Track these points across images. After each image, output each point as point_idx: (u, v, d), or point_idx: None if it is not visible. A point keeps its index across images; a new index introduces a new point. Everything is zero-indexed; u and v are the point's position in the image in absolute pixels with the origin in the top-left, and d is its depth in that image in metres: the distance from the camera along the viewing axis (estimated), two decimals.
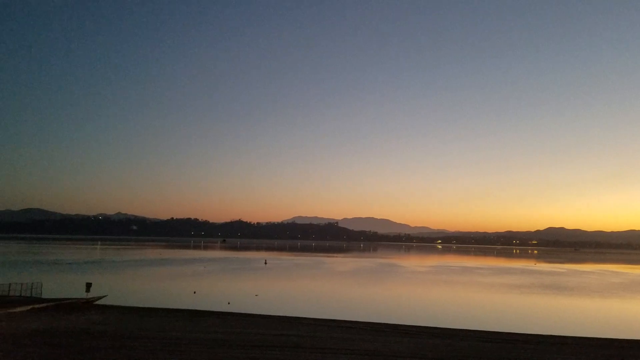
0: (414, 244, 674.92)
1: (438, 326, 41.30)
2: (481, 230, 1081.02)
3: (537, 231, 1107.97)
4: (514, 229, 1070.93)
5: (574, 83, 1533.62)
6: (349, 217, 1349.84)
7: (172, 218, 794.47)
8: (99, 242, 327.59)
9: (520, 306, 61.36)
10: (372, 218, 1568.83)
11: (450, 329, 40.09)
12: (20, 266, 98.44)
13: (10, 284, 50.28)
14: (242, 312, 46.25)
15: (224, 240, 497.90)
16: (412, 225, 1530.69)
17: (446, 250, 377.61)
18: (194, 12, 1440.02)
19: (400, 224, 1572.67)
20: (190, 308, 48.08)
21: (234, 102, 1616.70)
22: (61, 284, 66.48)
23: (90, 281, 65.13)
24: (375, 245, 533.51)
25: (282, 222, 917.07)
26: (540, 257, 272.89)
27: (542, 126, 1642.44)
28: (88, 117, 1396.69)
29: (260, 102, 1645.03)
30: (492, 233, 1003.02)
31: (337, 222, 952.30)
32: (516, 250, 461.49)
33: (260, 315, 44.33)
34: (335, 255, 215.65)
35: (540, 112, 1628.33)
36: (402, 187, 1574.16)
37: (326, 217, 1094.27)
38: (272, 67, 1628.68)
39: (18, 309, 39.46)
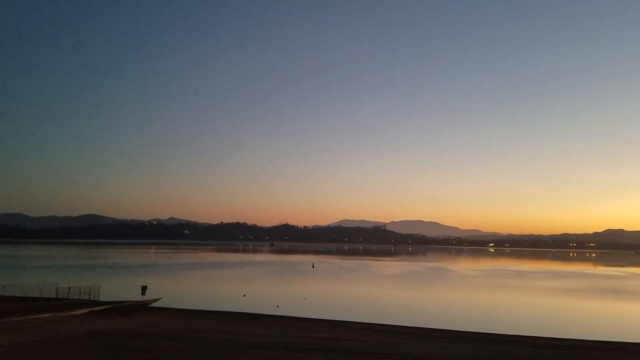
0: (465, 248, 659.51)
1: (492, 332, 40.08)
2: (535, 232, 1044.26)
3: (595, 233, 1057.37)
4: (570, 231, 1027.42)
5: (633, 78, 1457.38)
6: (397, 220, 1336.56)
7: (222, 222, 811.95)
8: (153, 246, 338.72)
9: (578, 311, 58.77)
10: (421, 221, 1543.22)
11: (504, 334, 38.83)
12: (79, 270, 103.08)
13: (69, 288, 52.69)
14: (291, 315, 46.57)
15: (272, 244, 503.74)
16: (463, 228, 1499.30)
17: (499, 254, 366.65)
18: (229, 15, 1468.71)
19: (449, 226, 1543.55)
20: (240, 311, 48.84)
21: (281, 107, 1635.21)
22: (118, 287, 69.10)
23: (145, 284, 67.76)
24: (424, 248, 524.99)
25: (328, 226, 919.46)
26: (599, 260, 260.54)
27: (599, 123, 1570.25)
28: (142, 127, 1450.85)
29: (308, 106, 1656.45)
30: (547, 235, 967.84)
31: (384, 226, 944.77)
32: (573, 254, 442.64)
33: (308, 318, 44.48)
34: (382, 258, 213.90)
35: (598, 109, 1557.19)
36: (451, 189, 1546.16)
37: (373, 220, 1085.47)
38: (315, 66, 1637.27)
39: (77, 312, 41.23)
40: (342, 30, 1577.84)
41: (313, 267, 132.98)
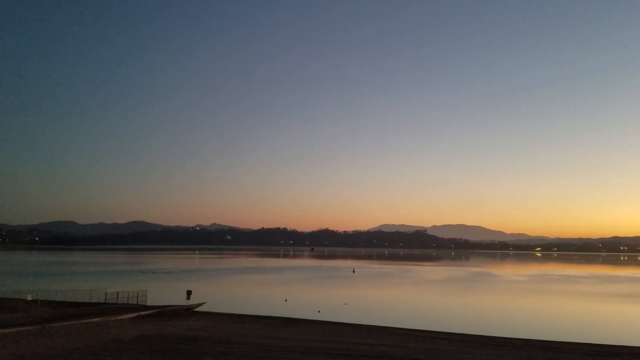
0: (510, 252, 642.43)
1: (538, 338, 39.03)
2: (584, 236, 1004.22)
3: None
4: (621, 234, 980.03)
5: None
6: (438, 224, 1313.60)
7: (263, 228, 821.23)
8: (197, 252, 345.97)
9: (629, 317, 56.39)
10: (463, 225, 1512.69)
11: (551, 341, 37.75)
12: (127, 275, 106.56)
13: (118, 293, 54.60)
14: (332, 320, 46.72)
15: (312, 249, 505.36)
16: (508, 232, 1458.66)
17: (546, 258, 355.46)
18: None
19: (494, 230, 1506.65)
20: (282, 315, 49.37)
21: (319, 112, 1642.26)
22: (164, 291, 71.12)
23: (190, 289, 69.53)
24: (467, 253, 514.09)
25: (368, 231, 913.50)
26: None
27: None
28: (185, 136, 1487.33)
29: (346, 112, 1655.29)
30: (597, 239, 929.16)
31: (425, 230, 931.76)
32: (624, 257, 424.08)
33: (349, 324, 44.52)
34: (424, 263, 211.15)
35: None
36: (495, 192, 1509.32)
37: (414, 224, 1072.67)
38: (351, 68, 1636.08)
39: (125, 316, 42.71)
40: (370, 27, 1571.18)
41: (354, 272, 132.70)
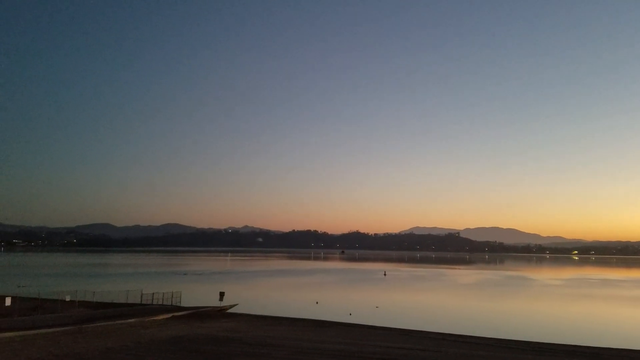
0: (546, 256, 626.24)
1: (576, 344, 37.80)
2: (623, 239, 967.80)
3: None
4: None
5: None
6: (472, 227, 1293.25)
7: (294, 230, 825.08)
8: (229, 254, 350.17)
9: None
10: (497, 228, 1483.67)
11: (590, 347, 36.49)
12: (161, 277, 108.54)
13: (153, 294, 55.60)
14: (364, 323, 46.39)
15: (343, 252, 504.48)
16: (544, 235, 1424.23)
17: (583, 262, 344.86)
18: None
19: (529, 233, 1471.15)
20: (313, 318, 49.32)
21: (350, 116, 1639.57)
22: (197, 293, 72.08)
23: (223, 290, 70.32)
24: (502, 256, 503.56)
25: (399, 233, 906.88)
26: None
27: None
28: (217, 140, 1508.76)
29: (377, 114, 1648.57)
30: (637, 242, 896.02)
31: (458, 233, 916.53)
32: None
33: (381, 327, 44.11)
34: (457, 267, 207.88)
35: None
36: (531, 194, 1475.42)
37: (446, 227, 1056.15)
38: (379, 70, 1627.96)
39: (160, 317, 43.45)
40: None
41: (385, 275, 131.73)
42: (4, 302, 40.48)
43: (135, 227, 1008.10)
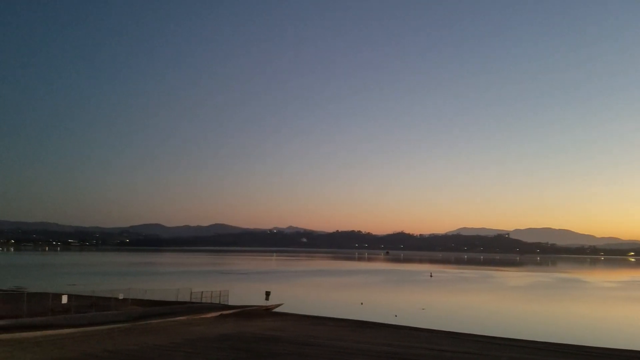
0: (601, 257, 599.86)
1: (634, 349, 35.96)
2: None
3: None
4: None
5: None
6: (522, 227, 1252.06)
7: (337, 231, 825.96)
8: (274, 254, 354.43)
9: None
10: (549, 228, 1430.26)
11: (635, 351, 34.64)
12: (209, 275, 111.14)
13: (202, 292, 56.94)
14: (410, 325, 45.85)
15: (387, 252, 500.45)
16: (598, 236, 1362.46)
17: None
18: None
19: (583, 234, 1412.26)
20: (357, 319, 49.15)
21: (396, 118, 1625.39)
22: (244, 291, 73.38)
23: (269, 290, 71.30)
24: (554, 258, 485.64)
25: (446, 234, 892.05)
26: None
27: None
28: (264, 142, 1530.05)
29: (422, 113, 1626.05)
30: None
31: (507, 234, 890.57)
32: None
33: (428, 329, 43.46)
34: (506, 269, 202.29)
35: None
36: (584, 193, 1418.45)
37: (495, 228, 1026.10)
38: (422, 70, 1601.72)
39: (209, 315, 44.48)
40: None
41: (431, 276, 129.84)
42: (61, 300, 42.41)
43: (185, 227, 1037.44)
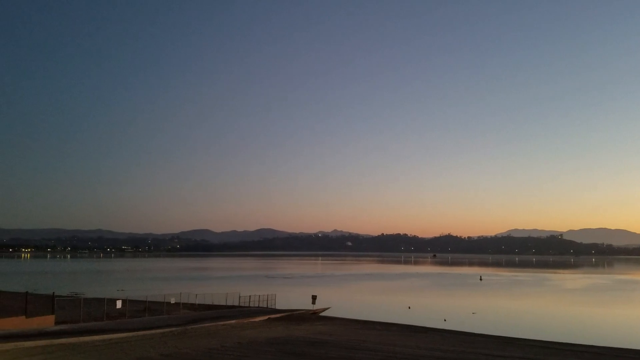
0: None
1: None
2: None
3: None
4: None
5: None
6: (575, 228, 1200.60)
7: (383, 234, 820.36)
8: (320, 258, 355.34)
9: None
10: (605, 229, 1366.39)
11: None
12: (257, 279, 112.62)
13: (250, 296, 57.73)
14: (460, 330, 44.80)
15: (434, 255, 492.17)
16: None
17: None
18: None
19: None
20: (406, 323, 48.48)
21: (442, 119, 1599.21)
22: (291, 295, 73.87)
23: (315, 294, 71.38)
24: (611, 259, 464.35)
25: (495, 236, 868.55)
26: None
27: None
28: (307, 148, 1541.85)
29: (466, 113, 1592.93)
30: None
31: (561, 235, 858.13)
32: None
33: (480, 334, 42.32)
34: (560, 271, 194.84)
35: None
36: None
37: (547, 229, 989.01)
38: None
39: (258, 319, 44.94)
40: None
41: (481, 279, 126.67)
42: (115, 305, 43.88)
43: (233, 232, 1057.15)
